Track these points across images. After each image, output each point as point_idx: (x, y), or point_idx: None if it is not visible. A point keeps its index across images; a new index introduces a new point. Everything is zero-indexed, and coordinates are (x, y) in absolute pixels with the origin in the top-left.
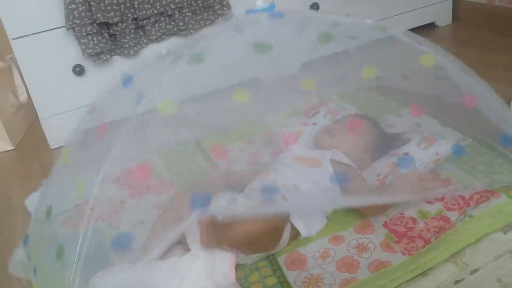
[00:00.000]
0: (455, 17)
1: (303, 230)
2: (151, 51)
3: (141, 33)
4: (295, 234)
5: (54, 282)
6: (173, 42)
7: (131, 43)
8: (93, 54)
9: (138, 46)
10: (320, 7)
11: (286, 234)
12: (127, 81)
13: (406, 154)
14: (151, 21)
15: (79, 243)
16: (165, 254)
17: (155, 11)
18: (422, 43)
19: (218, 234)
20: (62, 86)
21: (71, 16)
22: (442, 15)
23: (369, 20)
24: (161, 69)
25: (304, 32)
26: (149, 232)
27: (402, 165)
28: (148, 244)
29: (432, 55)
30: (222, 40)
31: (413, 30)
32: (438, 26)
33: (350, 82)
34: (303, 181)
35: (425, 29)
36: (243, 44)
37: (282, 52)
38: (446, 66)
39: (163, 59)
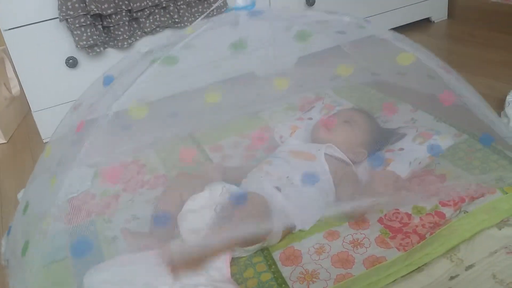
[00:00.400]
0: (450, 13)
1: (297, 222)
2: (145, 43)
3: (135, 26)
4: (289, 227)
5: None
6: (167, 35)
7: (125, 35)
8: (86, 46)
9: (132, 38)
10: (315, 2)
11: (279, 227)
12: (108, 80)
13: (401, 149)
14: (145, 13)
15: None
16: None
17: (150, 3)
18: (401, 40)
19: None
20: (55, 78)
21: (64, 7)
22: (438, 11)
23: (348, 18)
24: (139, 69)
25: (283, 30)
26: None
27: (372, 163)
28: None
29: (410, 54)
30: (201, 39)
31: (408, 25)
32: (433, 22)
33: (344, 78)
34: (297, 174)
35: (420, 25)
36: (220, 43)
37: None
38: (425, 63)
39: (143, 58)
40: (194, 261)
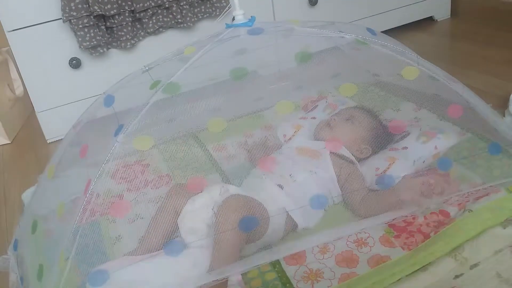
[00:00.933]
0: (453, 12)
1: (299, 220)
2: (149, 44)
3: (138, 26)
4: (292, 225)
5: None
6: (170, 35)
7: (128, 36)
8: (89, 47)
9: (135, 39)
10: (318, 2)
11: (281, 225)
12: (109, 101)
13: (405, 148)
14: (148, 13)
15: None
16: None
17: (153, 4)
18: (404, 54)
19: None
20: (58, 79)
21: (67, 8)
22: (441, 10)
23: (348, 36)
24: (140, 91)
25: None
26: (146, 231)
27: (380, 185)
28: (143, 243)
29: (414, 68)
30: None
31: (411, 24)
32: (436, 20)
33: (345, 79)
34: (300, 171)
35: (423, 24)
36: (221, 68)
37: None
38: (433, 75)
39: (143, 76)
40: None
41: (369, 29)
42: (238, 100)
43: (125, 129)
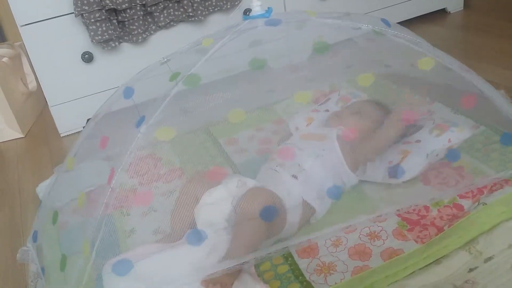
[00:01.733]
0: (466, 3)
1: (318, 207)
2: (160, 37)
3: (150, 20)
4: (307, 216)
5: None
6: (181, 29)
7: (139, 29)
8: (101, 41)
9: (147, 33)
10: None
11: (296, 217)
12: (128, 93)
13: (418, 141)
14: (159, 7)
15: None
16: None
17: None
18: (420, 44)
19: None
20: (71, 73)
21: (79, 2)
22: (454, 1)
23: (366, 26)
24: (160, 83)
25: (295, 28)
26: (171, 218)
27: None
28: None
29: (430, 58)
30: (220, 53)
31: (424, 16)
32: (449, 12)
33: (358, 71)
34: (306, 157)
35: (436, 16)
36: (240, 59)
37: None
38: (447, 66)
39: (162, 68)
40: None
41: (383, 20)
42: (250, 93)
43: (148, 121)
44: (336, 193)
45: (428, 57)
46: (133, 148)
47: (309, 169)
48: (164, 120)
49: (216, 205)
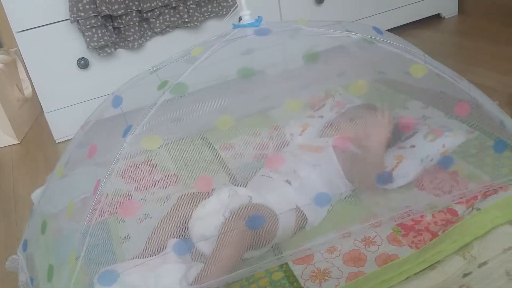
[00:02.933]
0: (461, 9)
1: (309, 214)
2: (156, 43)
3: (146, 26)
4: (302, 221)
5: None
6: (177, 35)
7: (135, 36)
8: (97, 47)
9: (143, 39)
10: (324, 1)
11: (291, 223)
12: (117, 102)
13: (413, 146)
14: (155, 13)
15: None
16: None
17: (160, 3)
18: (411, 52)
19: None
20: (66, 79)
21: (75, 8)
22: (448, 7)
23: (356, 35)
24: (148, 92)
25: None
26: (148, 239)
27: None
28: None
29: (422, 65)
30: (208, 62)
31: (419, 22)
32: (444, 17)
33: (350, 78)
34: (303, 166)
35: (431, 21)
36: (228, 68)
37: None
38: (439, 73)
39: (151, 77)
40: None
41: (375, 28)
42: (244, 100)
43: (134, 130)
44: (323, 201)
45: (419, 64)
46: (118, 157)
47: (305, 177)
48: (150, 129)
49: (209, 218)
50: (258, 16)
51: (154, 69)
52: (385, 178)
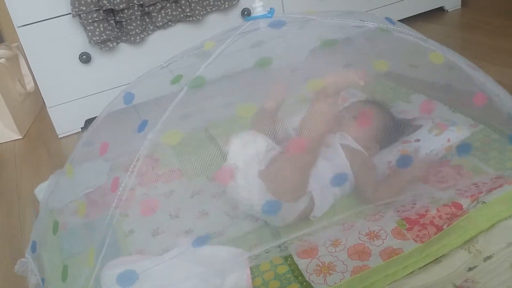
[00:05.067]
0: (464, 2)
1: (318, 204)
2: (158, 38)
3: (147, 20)
4: (307, 211)
5: None
6: (179, 29)
7: (137, 30)
8: (99, 41)
9: (145, 33)
10: None
11: (300, 207)
12: (129, 98)
13: (418, 140)
14: (157, 7)
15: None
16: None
17: None
18: (427, 41)
19: None
20: (68, 74)
21: (77, 3)
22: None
23: (372, 24)
24: (161, 87)
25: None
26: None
27: (400, 164)
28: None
29: (440, 54)
30: (223, 55)
31: (422, 14)
32: (447, 10)
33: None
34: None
35: (434, 14)
36: (245, 60)
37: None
38: (456, 63)
39: (162, 72)
40: None
41: (387, 18)
42: (248, 93)
43: (152, 125)
44: (340, 180)
45: (437, 53)
46: (140, 155)
47: (318, 165)
48: (167, 124)
49: (248, 170)
50: (271, 8)
51: (166, 64)
52: (406, 161)
